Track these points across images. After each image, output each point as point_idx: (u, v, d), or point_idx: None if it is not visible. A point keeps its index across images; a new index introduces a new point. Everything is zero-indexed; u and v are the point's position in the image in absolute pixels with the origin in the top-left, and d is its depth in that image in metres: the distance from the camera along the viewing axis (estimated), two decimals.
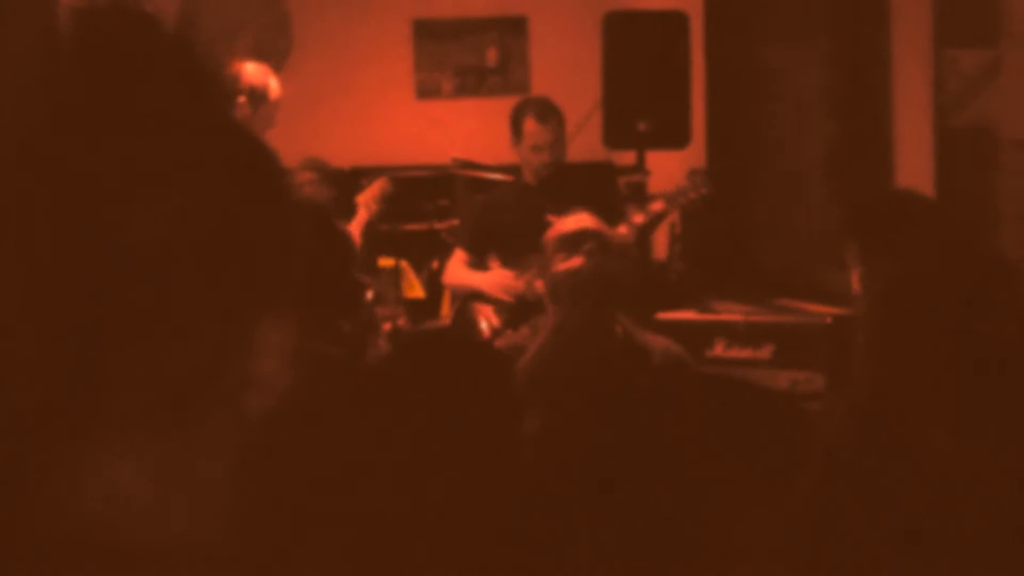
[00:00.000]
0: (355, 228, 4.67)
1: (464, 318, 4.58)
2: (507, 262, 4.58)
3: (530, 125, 4.60)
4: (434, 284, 5.48)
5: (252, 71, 4.38)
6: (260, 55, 4.98)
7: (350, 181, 5.36)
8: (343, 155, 6.02)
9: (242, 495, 0.78)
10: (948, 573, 1.73)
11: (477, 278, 4.62)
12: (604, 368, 2.78)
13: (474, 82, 7.17)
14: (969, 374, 1.82)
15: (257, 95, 4.32)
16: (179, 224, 0.73)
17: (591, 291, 2.89)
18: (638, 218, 4.41)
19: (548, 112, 4.63)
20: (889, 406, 1.86)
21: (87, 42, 0.74)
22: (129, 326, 0.71)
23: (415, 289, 5.62)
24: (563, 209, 4.44)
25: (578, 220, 3.76)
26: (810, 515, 1.78)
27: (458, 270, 4.71)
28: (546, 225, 4.42)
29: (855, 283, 2.07)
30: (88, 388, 0.71)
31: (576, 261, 3.28)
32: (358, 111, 7.00)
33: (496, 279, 4.55)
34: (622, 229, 4.36)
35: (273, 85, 4.42)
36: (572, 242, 3.64)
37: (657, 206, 4.42)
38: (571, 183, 4.61)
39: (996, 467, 1.77)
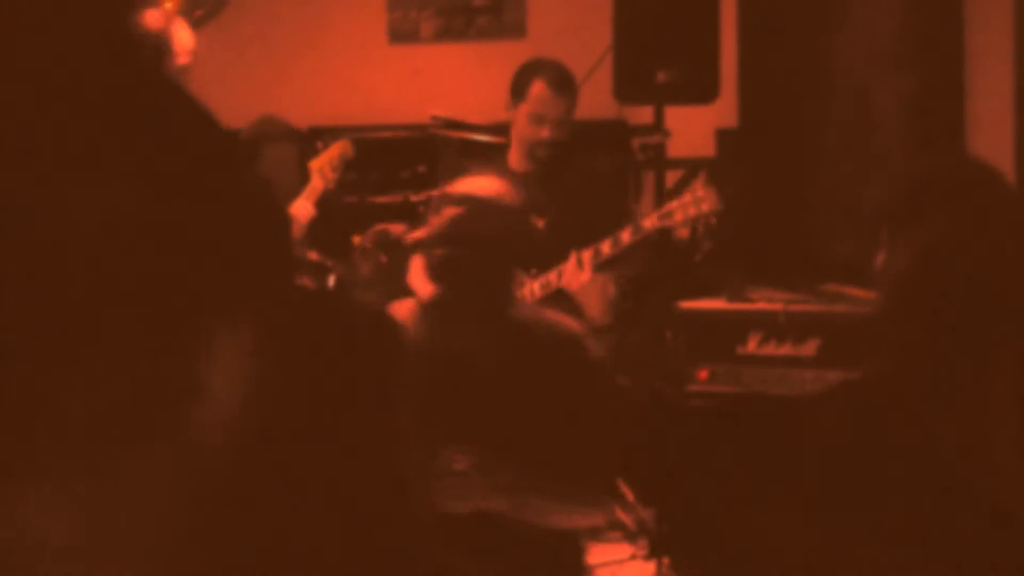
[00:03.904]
0: (307, 198, 4.72)
1: None
2: None
3: (539, 89, 4.49)
4: None
5: (149, 15, 4.00)
6: None
7: (309, 143, 5.34)
8: (301, 112, 6.00)
9: (186, 529, 0.78)
10: (953, 572, 1.84)
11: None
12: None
13: (460, 23, 7.13)
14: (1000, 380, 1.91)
15: (160, 47, 3.95)
16: (118, 211, 0.72)
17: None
18: (649, 223, 4.32)
19: (565, 83, 4.53)
20: (896, 402, 1.94)
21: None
22: (58, 337, 0.71)
23: None
24: (550, 209, 4.31)
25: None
26: (810, 515, 1.88)
27: (418, 281, 4.56)
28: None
29: (877, 266, 2.15)
30: (8, 415, 0.71)
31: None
32: (318, 59, 6.97)
33: None
34: (625, 236, 4.28)
35: (181, 35, 4.17)
36: None
37: (649, 223, 4.33)
38: (568, 175, 4.52)
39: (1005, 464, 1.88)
